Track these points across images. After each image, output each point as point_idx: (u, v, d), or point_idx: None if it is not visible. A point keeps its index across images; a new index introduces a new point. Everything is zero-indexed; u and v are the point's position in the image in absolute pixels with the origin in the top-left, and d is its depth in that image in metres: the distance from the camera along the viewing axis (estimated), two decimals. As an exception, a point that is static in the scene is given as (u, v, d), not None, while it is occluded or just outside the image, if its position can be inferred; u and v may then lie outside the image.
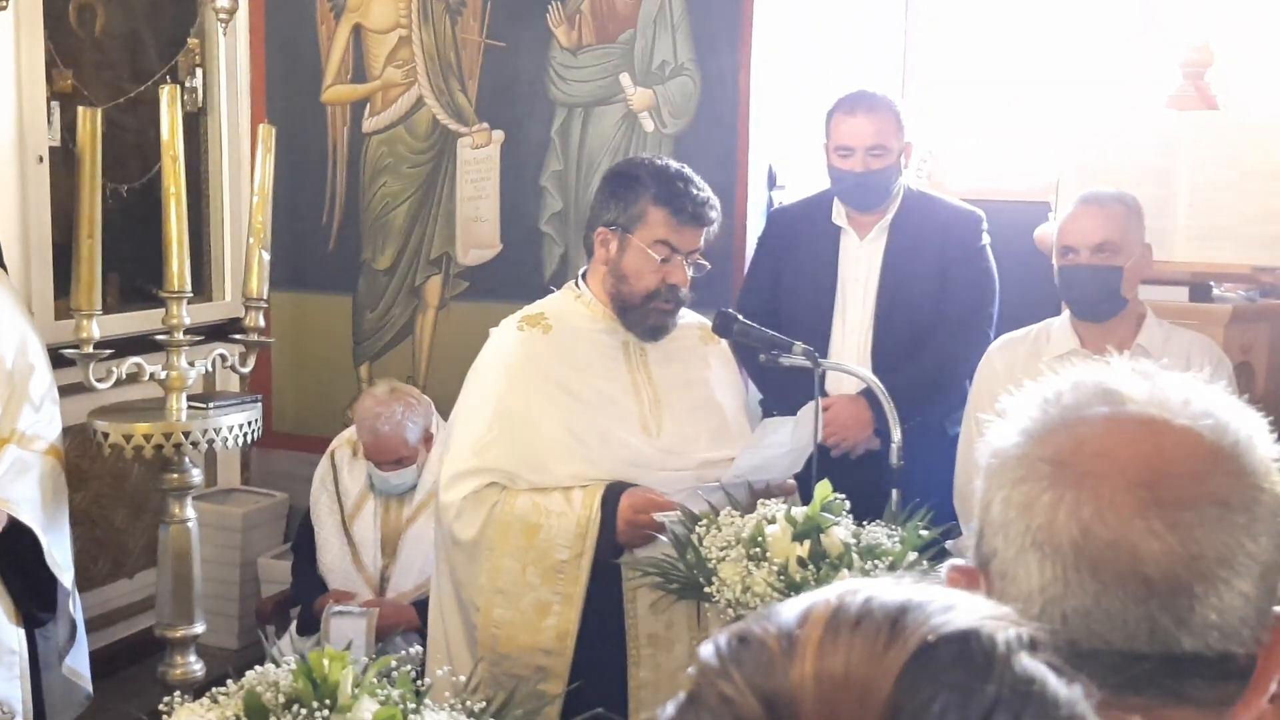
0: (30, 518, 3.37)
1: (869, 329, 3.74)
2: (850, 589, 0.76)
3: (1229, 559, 0.94)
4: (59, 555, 3.49)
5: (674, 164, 3.02)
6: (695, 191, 2.95)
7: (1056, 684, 0.71)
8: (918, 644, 0.70)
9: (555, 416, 2.93)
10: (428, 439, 4.11)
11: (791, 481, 2.96)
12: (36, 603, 3.46)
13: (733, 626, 0.76)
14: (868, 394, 3.49)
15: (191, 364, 3.62)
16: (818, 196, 3.93)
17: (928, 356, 3.66)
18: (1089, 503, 0.96)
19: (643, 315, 2.99)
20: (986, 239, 3.78)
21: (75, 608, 3.63)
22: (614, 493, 2.86)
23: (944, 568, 1.08)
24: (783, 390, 3.56)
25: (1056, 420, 1.02)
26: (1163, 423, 0.98)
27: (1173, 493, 0.95)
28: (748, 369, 3.70)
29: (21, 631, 3.41)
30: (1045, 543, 0.97)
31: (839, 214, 3.81)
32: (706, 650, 0.75)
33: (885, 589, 0.75)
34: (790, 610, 0.75)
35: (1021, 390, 1.08)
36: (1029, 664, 0.71)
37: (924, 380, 3.60)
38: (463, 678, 2.32)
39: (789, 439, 2.88)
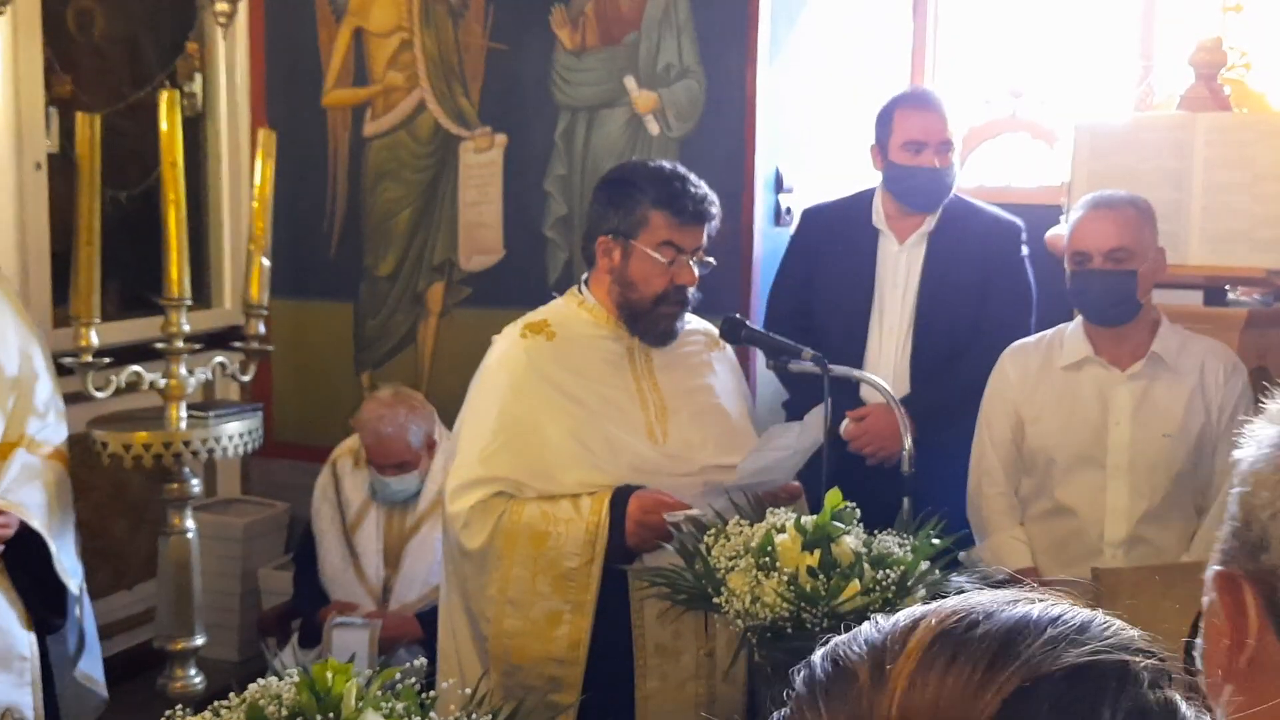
0: (40, 523, 3.34)
1: (907, 336, 3.71)
2: (959, 609, 0.73)
3: None
4: (67, 561, 3.46)
5: (667, 164, 3.01)
6: (693, 189, 2.94)
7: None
8: (1014, 688, 0.67)
9: (561, 424, 2.91)
10: (430, 445, 4.09)
11: (796, 483, 2.94)
12: (48, 608, 3.43)
13: (832, 644, 0.73)
14: (905, 401, 3.45)
15: (191, 372, 3.60)
16: (854, 197, 3.89)
17: (966, 368, 3.60)
18: None
19: (653, 321, 2.98)
20: (1025, 250, 3.76)
21: (85, 614, 3.60)
22: (622, 496, 2.84)
23: (1210, 574, 1.04)
24: (810, 391, 3.49)
25: None
26: None
27: None
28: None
29: (33, 637, 3.38)
30: None
31: (879, 216, 3.77)
32: (802, 674, 0.72)
33: (999, 609, 0.72)
34: (891, 630, 0.73)
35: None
36: (1151, 699, 0.68)
37: (960, 391, 3.55)
38: (469, 690, 2.29)
39: (794, 442, 2.85)
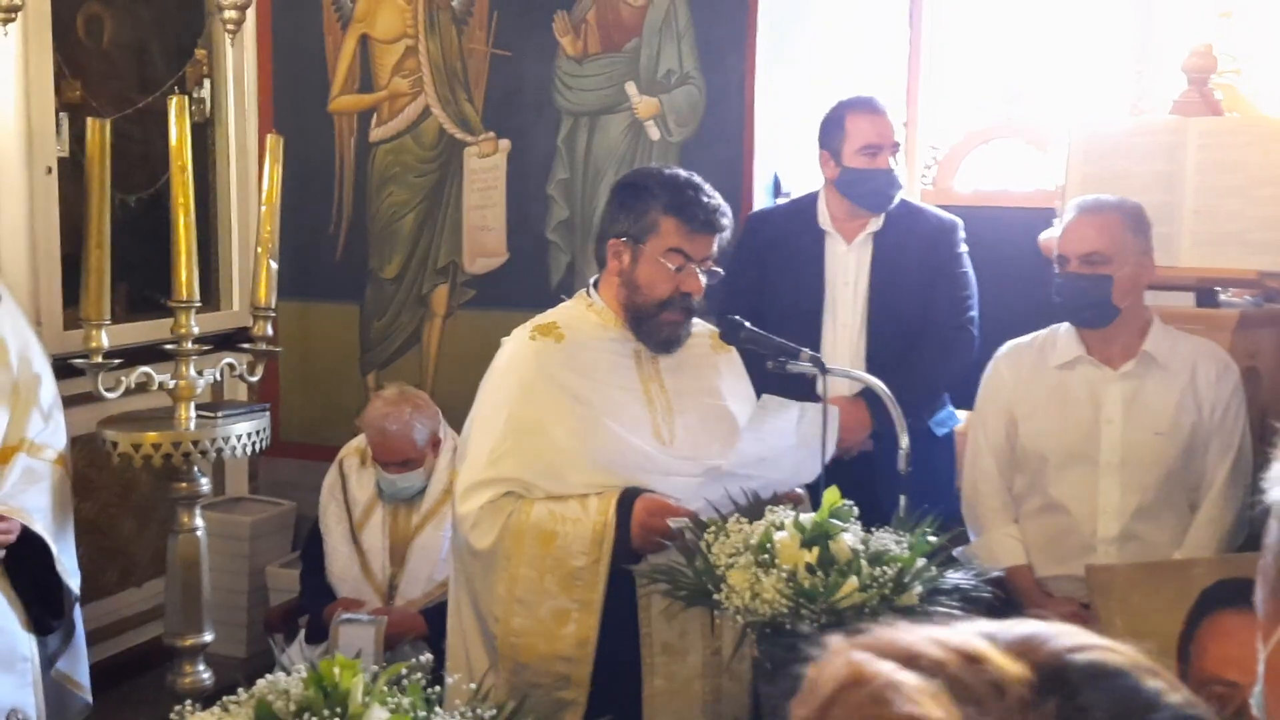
0: (42, 528, 3.37)
1: (861, 332, 3.81)
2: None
3: None
4: (67, 563, 3.50)
5: (683, 173, 3.02)
6: (706, 199, 2.94)
7: None
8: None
9: (569, 425, 2.92)
10: (435, 443, 4.12)
11: (799, 490, 2.96)
12: (45, 611, 3.47)
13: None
14: (865, 395, 3.53)
15: (200, 373, 3.62)
16: (799, 201, 4.01)
17: (920, 361, 3.73)
18: None
19: (656, 326, 2.98)
20: (964, 247, 3.86)
21: (76, 615, 3.63)
22: (629, 497, 2.86)
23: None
24: (783, 395, 3.55)
25: None
26: None
27: None
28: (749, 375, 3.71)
29: (33, 638, 3.42)
30: None
31: (825, 218, 3.87)
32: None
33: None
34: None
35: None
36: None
37: (916, 385, 3.63)
38: (474, 685, 2.32)
39: (793, 429, 2.86)
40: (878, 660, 0.71)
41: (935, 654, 0.71)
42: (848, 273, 3.83)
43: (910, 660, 0.71)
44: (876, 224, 3.83)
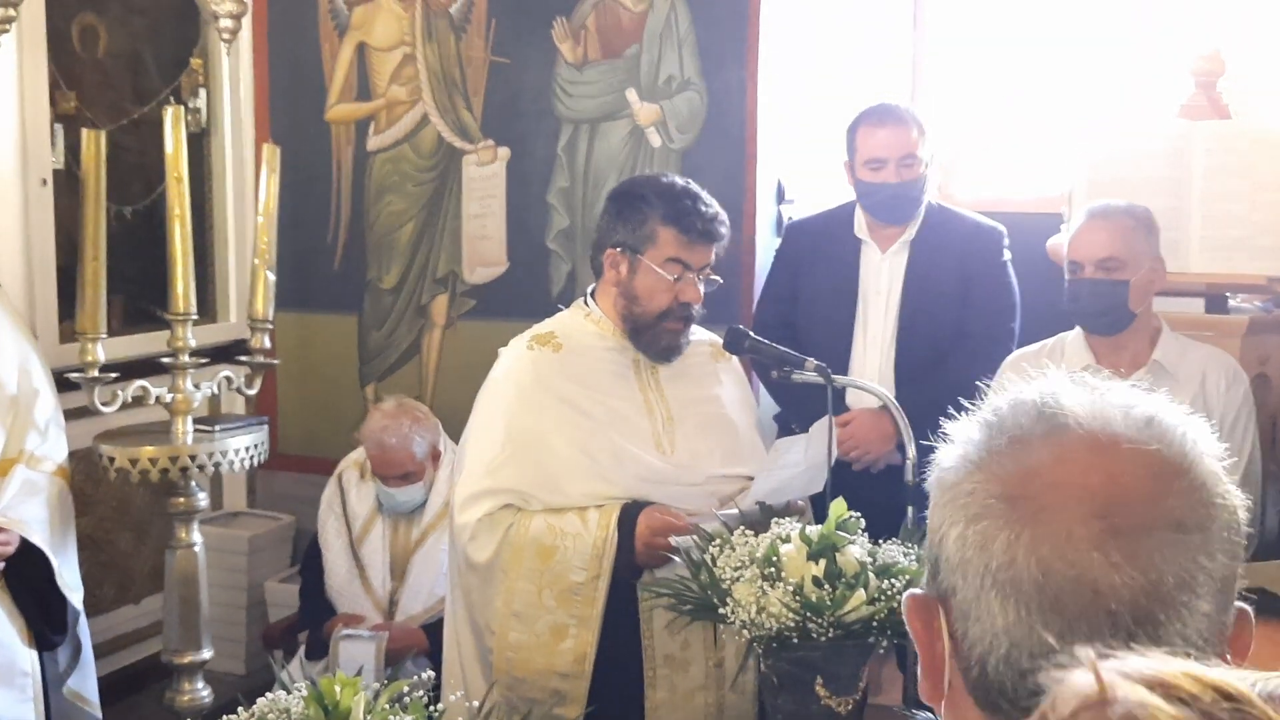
0: (41, 539, 3.34)
1: (891, 343, 3.73)
2: None
3: (1189, 582, 0.94)
4: (68, 577, 3.47)
5: (679, 180, 3.01)
6: (703, 208, 2.94)
7: None
8: None
9: (568, 435, 2.92)
10: (435, 455, 4.10)
11: (801, 502, 2.94)
12: (47, 624, 3.44)
13: None
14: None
15: (197, 386, 3.60)
16: (836, 210, 3.92)
17: (951, 372, 3.63)
18: (1047, 540, 0.95)
19: (655, 336, 2.98)
20: (1008, 255, 3.77)
21: (83, 630, 3.60)
22: (630, 514, 2.84)
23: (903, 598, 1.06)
24: (800, 403, 3.53)
25: (1004, 449, 1.01)
26: (1111, 445, 0.97)
27: (1129, 519, 0.94)
28: (764, 383, 3.68)
29: (34, 653, 3.39)
30: (1006, 583, 0.96)
31: (860, 227, 3.81)
32: None
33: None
34: None
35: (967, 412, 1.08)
36: None
37: (948, 396, 3.56)
38: (476, 703, 2.30)
39: (802, 458, 2.85)
40: (1128, 681, 0.70)
41: (1190, 686, 0.70)
42: (880, 282, 3.76)
43: (1163, 687, 0.70)
44: (912, 231, 3.75)
